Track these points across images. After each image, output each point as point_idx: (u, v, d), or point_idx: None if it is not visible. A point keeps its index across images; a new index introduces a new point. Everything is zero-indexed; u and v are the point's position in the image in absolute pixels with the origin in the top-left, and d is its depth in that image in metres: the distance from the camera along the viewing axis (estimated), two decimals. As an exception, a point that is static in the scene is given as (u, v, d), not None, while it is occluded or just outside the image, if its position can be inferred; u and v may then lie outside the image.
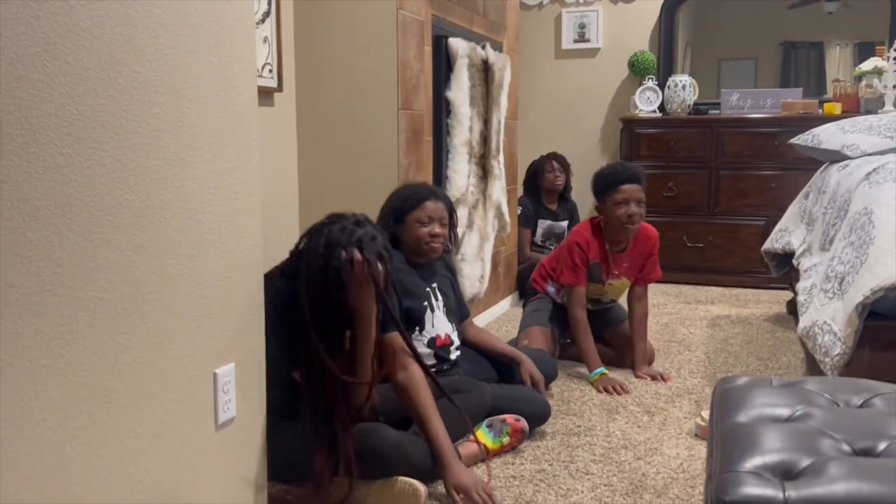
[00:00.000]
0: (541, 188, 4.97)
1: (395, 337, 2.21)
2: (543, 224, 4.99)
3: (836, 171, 3.51)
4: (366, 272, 1.96)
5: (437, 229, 2.67)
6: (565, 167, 4.98)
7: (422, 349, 2.66)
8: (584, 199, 5.59)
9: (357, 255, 1.96)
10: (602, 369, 3.22)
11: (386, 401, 2.41)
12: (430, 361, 2.67)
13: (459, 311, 2.88)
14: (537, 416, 2.65)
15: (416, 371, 2.23)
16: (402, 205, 2.68)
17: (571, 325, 3.37)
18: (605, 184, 3.32)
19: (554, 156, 4.97)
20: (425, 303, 2.68)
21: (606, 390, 3.11)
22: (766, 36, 5.69)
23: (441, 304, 2.73)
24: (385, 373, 2.21)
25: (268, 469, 1.93)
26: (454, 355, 2.75)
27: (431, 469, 2.23)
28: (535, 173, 4.99)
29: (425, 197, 2.68)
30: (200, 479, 1.65)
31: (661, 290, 5.09)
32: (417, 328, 2.66)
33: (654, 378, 3.25)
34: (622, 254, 3.40)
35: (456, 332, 2.77)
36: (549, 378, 3.04)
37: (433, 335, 2.69)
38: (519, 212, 4.84)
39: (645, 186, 3.29)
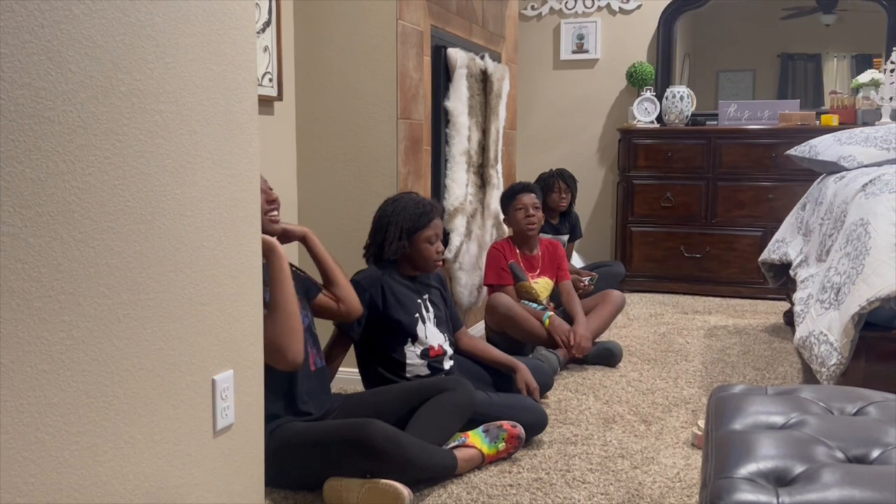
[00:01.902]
0: (545, 204, 4.90)
1: None
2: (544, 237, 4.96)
3: (833, 182, 3.52)
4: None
5: (441, 246, 2.72)
6: (572, 188, 4.75)
7: (415, 360, 2.67)
8: (583, 211, 5.62)
9: None
10: (550, 313, 3.59)
11: (376, 406, 2.42)
12: (424, 372, 2.68)
13: (452, 322, 2.89)
14: (534, 425, 2.64)
15: None
16: (416, 223, 2.69)
17: (510, 308, 3.56)
18: (507, 196, 3.82)
19: (561, 175, 4.72)
20: (416, 315, 2.70)
21: (560, 336, 3.49)
22: (764, 47, 5.72)
23: (432, 315, 2.75)
24: None
25: (267, 474, 1.93)
26: (448, 365, 2.75)
27: (426, 466, 2.23)
28: (542, 189, 4.88)
29: (435, 216, 2.72)
30: (198, 485, 1.65)
31: (659, 300, 5.10)
32: (410, 339, 2.67)
33: (569, 349, 3.49)
34: (535, 257, 3.84)
35: (448, 343, 2.78)
36: (545, 388, 3.05)
37: (426, 346, 2.70)
38: None
39: (540, 198, 3.83)
